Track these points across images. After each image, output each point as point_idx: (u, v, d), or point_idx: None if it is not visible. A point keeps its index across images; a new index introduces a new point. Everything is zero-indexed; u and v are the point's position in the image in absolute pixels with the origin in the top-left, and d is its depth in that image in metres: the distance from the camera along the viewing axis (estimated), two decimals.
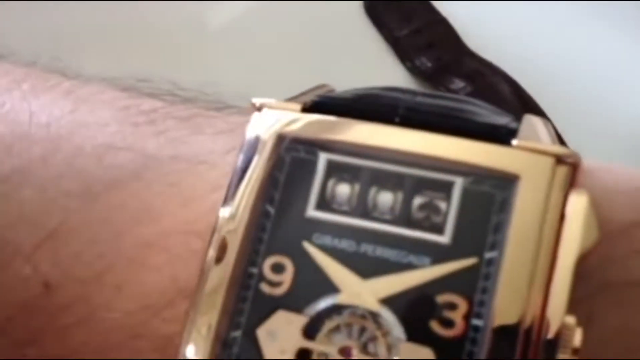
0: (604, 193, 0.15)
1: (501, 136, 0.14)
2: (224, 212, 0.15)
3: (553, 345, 0.13)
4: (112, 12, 0.32)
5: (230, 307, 0.14)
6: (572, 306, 0.13)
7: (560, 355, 0.13)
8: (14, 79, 0.18)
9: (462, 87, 0.35)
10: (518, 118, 0.15)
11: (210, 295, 0.14)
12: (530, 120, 0.15)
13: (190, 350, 0.14)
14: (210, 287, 0.14)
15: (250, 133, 0.15)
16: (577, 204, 0.14)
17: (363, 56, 0.38)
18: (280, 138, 0.15)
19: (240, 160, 0.15)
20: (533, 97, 0.34)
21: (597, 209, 0.14)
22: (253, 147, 0.15)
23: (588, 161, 0.15)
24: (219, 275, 0.14)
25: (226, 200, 0.15)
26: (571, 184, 0.14)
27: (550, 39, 0.37)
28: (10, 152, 0.17)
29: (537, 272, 0.13)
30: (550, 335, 0.13)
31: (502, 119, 0.15)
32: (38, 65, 0.19)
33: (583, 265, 0.14)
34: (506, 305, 0.13)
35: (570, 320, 0.13)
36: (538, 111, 0.33)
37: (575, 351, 0.13)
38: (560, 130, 0.34)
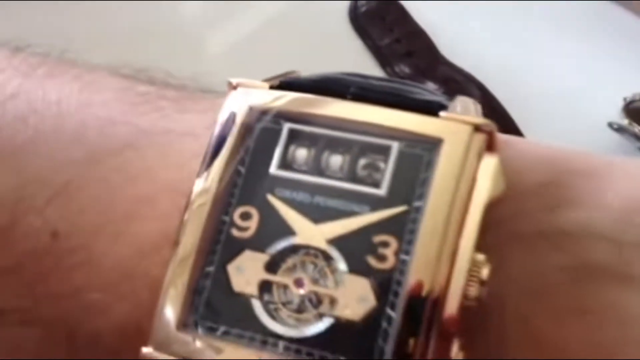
0: (517, 158, 0.18)
1: (432, 110, 0.17)
2: (202, 174, 0.18)
3: (463, 274, 0.16)
4: (117, 14, 0.35)
5: (205, 247, 0.17)
6: (487, 251, 0.16)
7: (469, 284, 0.16)
8: (30, 65, 0.21)
9: (435, 89, 0.38)
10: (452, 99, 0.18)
11: (189, 239, 0.17)
12: (461, 100, 0.18)
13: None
14: (189, 234, 0.17)
15: (226, 107, 0.18)
16: (488, 162, 0.17)
17: (347, 62, 0.41)
18: (251, 110, 0.18)
19: (217, 129, 0.18)
20: (500, 101, 0.37)
21: (510, 170, 0.17)
22: (229, 118, 0.18)
23: (509, 136, 0.19)
24: (197, 224, 0.17)
25: (204, 163, 0.18)
26: (488, 148, 0.17)
27: (520, 50, 0.40)
28: (26, 124, 0.20)
29: (452, 215, 0.16)
30: (462, 265, 0.16)
31: (436, 98, 0.18)
32: (51, 56, 0.23)
33: (495, 217, 0.17)
34: (428, 243, 0.16)
35: (480, 257, 0.16)
36: (503, 112, 0.36)
37: (482, 282, 0.16)
38: (524, 133, 0.37)
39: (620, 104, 0.33)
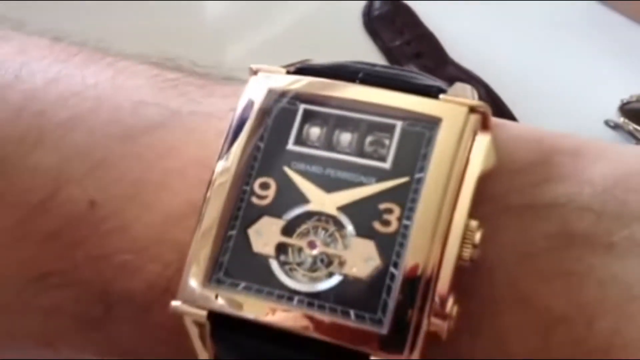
0: (510, 138, 0.20)
1: (432, 93, 0.19)
2: (224, 155, 0.20)
3: (458, 237, 0.18)
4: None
5: (228, 214, 0.19)
6: (480, 221, 0.18)
7: (464, 247, 0.18)
8: (69, 53, 0.24)
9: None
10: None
11: (214, 203, 0.19)
12: (459, 85, 0.20)
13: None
14: (215, 196, 0.19)
15: (248, 89, 0.20)
16: (482, 139, 0.19)
17: None
18: (270, 93, 0.20)
19: (239, 109, 0.20)
20: (503, 100, 0.39)
21: (503, 149, 0.19)
22: (250, 100, 0.20)
23: (503, 120, 0.21)
24: (222, 188, 0.19)
25: (226, 143, 0.20)
26: (482, 127, 0.19)
27: (523, 52, 0.42)
28: (67, 104, 0.22)
29: (449, 186, 0.18)
30: (457, 230, 0.18)
31: (436, 82, 0.20)
32: (87, 45, 0.25)
33: (488, 191, 0.19)
34: (427, 210, 0.18)
35: (473, 223, 0.18)
36: (506, 110, 0.38)
37: (475, 246, 0.18)
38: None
39: (617, 104, 0.35)
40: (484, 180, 0.18)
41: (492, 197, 0.19)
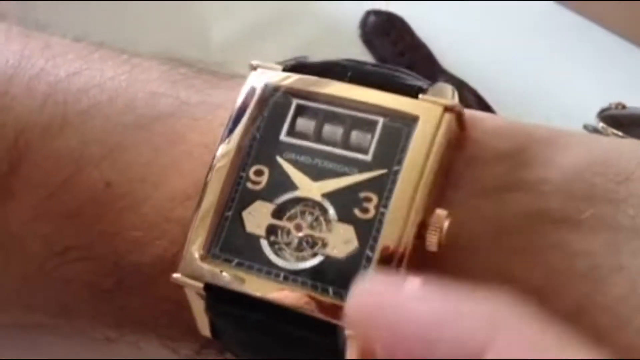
0: (488, 130, 0.22)
1: (412, 92, 0.21)
2: (224, 141, 0.22)
3: (426, 226, 0.20)
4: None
5: (225, 197, 0.21)
6: (457, 204, 0.20)
7: (430, 233, 0.20)
8: (89, 51, 0.26)
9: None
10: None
11: (213, 187, 0.21)
12: (440, 85, 0.22)
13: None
14: (214, 180, 0.21)
15: (247, 84, 0.22)
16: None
17: None
18: (267, 87, 0.22)
19: (239, 101, 0.22)
20: (491, 106, 0.41)
21: (480, 139, 0.21)
22: (249, 93, 0.22)
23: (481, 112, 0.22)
24: (220, 173, 0.21)
25: (226, 131, 0.22)
26: (458, 124, 0.21)
27: (510, 59, 0.44)
28: (88, 95, 0.24)
29: (423, 177, 0.20)
30: (427, 219, 0.20)
31: (417, 82, 0.22)
32: (105, 44, 0.27)
33: (465, 176, 0.21)
34: (401, 199, 0.20)
35: (443, 212, 0.20)
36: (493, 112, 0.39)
37: (441, 230, 0.20)
38: None
39: (596, 111, 0.36)
40: (462, 168, 0.20)
41: (469, 181, 0.21)
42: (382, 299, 0.16)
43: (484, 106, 0.39)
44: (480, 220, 0.21)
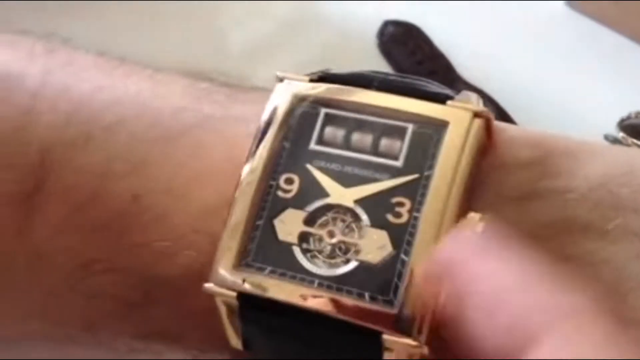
0: (512, 139, 0.22)
1: (440, 99, 0.22)
2: (250, 159, 0.22)
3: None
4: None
5: (257, 205, 0.21)
6: (483, 211, 0.20)
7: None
8: (112, 66, 0.26)
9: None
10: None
11: (243, 199, 0.21)
12: (465, 93, 0.22)
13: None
14: (243, 194, 0.21)
15: (274, 95, 0.23)
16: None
17: None
18: (294, 98, 0.22)
19: (266, 113, 0.22)
20: (511, 115, 0.41)
21: (505, 149, 0.21)
22: (276, 105, 0.22)
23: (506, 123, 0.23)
24: (250, 186, 0.22)
25: (253, 147, 0.22)
26: (487, 131, 0.21)
27: (527, 69, 0.45)
28: (112, 110, 0.24)
29: (455, 181, 0.20)
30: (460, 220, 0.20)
31: (444, 90, 0.22)
32: (127, 60, 0.27)
33: (490, 185, 0.21)
34: (435, 203, 0.20)
35: (475, 215, 0.20)
36: (512, 123, 0.40)
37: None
38: None
39: (616, 120, 0.37)
40: (486, 175, 0.20)
41: (493, 189, 0.21)
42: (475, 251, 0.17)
43: (503, 115, 0.39)
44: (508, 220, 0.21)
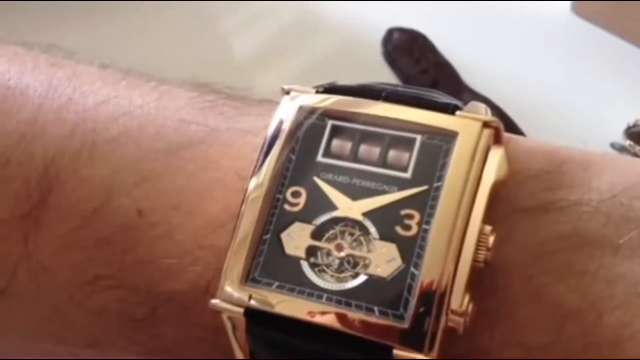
0: (522, 150, 0.22)
1: (449, 109, 0.21)
2: (256, 173, 0.21)
3: (473, 243, 0.19)
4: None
5: (263, 219, 0.21)
6: (496, 223, 0.20)
7: (478, 250, 0.19)
8: (116, 78, 0.26)
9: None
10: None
11: (249, 214, 0.21)
12: (473, 104, 0.22)
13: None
14: (250, 208, 0.21)
15: (280, 108, 0.22)
16: (495, 152, 0.20)
17: None
18: (301, 110, 0.22)
19: (272, 126, 0.22)
20: (516, 123, 0.41)
21: (517, 159, 0.21)
22: (283, 117, 0.22)
23: (516, 135, 0.22)
24: (256, 200, 0.21)
25: (259, 159, 0.22)
26: (495, 140, 0.21)
27: (533, 77, 0.44)
28: (117, 122, 0.24)
29: (465, 193, 0.20)
30: (472, 234, 0.19)
31: (453, 101, 0.22)
32: (132, 71, 0.27)
33: (504, 196, 0.21)
34: (445, 215, 0.20)
35: (487, 228, 0.20)
36: (519, 132, 0.40)
37: (488, 249, 0.20)
38: None
39: (623, 128, 0.36)
40: (498, 186, 0.20)
41: (507, 201, 0.21)
42: None
43: (509, 123, 0.39)
44: (519, 240, 0.21)
